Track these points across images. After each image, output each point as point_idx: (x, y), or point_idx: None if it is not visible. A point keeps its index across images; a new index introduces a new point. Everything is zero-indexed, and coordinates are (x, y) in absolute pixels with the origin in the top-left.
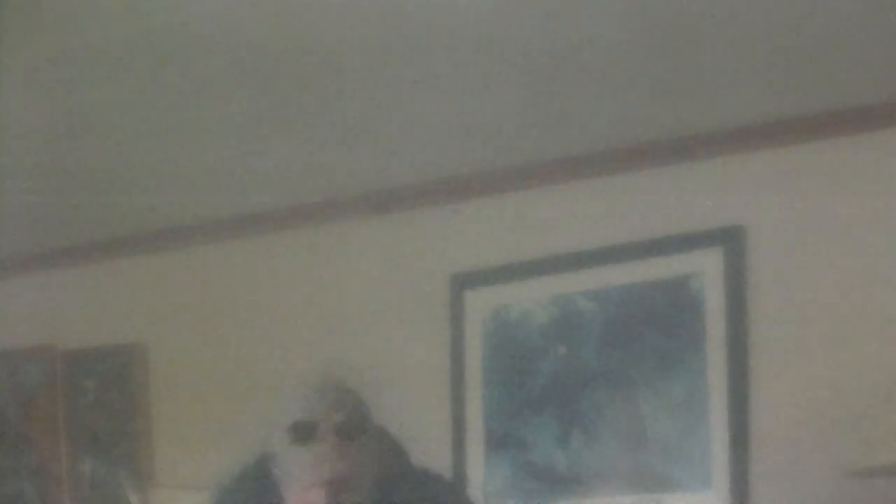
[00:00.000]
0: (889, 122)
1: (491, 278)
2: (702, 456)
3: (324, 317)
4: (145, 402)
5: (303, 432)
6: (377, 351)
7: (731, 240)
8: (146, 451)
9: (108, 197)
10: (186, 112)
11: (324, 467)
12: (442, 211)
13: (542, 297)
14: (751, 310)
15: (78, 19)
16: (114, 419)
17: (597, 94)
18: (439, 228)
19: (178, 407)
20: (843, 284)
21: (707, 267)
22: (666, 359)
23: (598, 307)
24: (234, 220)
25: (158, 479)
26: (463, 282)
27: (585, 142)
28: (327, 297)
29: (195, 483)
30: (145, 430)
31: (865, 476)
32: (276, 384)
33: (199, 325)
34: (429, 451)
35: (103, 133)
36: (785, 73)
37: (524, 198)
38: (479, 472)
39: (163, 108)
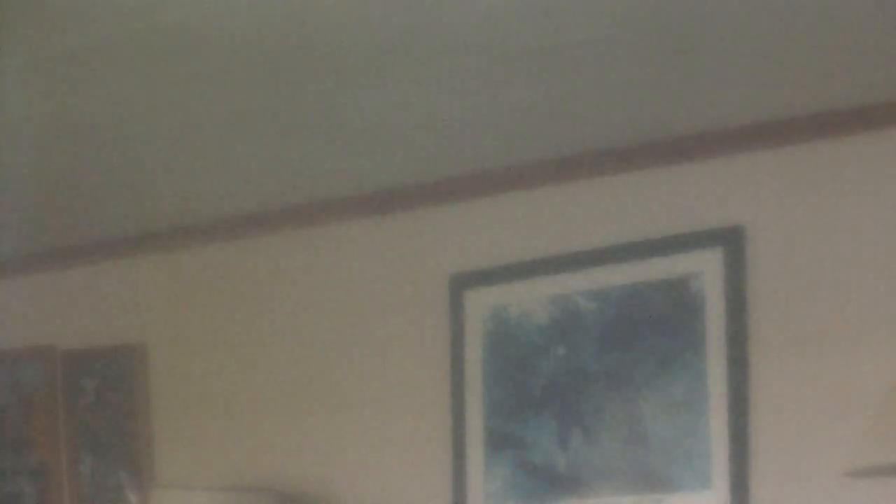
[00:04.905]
0: (889, 122)
1: (491, 278)
2: (702, 456)
3: (324, 317)
4: (145, 402)
5: None
6: (377, 351)
7: (731, 240)
8: (146, 451)
9: (108, 197)
10: (186, 112)
11: None
12: (442, 211)
13: (542, 297)
14: (751, 310)
15: (78, 19)
16: (114, 419)
17: (596, 94)
18: (439, 228)
19: (178, 407)
20: (843, 284)
21: (707, 267)
22: (666, 359)
23: (598, 307)
24: (234, 220)
25: (158, 479)
26: (463, 282)
27: (585, 142)
28: (327, 297)
29: (195, 483)
30: (145, 430)
31: (865, 476)
32: (275, 384)
33: (199, 325)
34: (429, 451)
35: (103, 133)
36: (785, 73)
37: (524, 198)
38: (479, 472)
39: (163, 108)
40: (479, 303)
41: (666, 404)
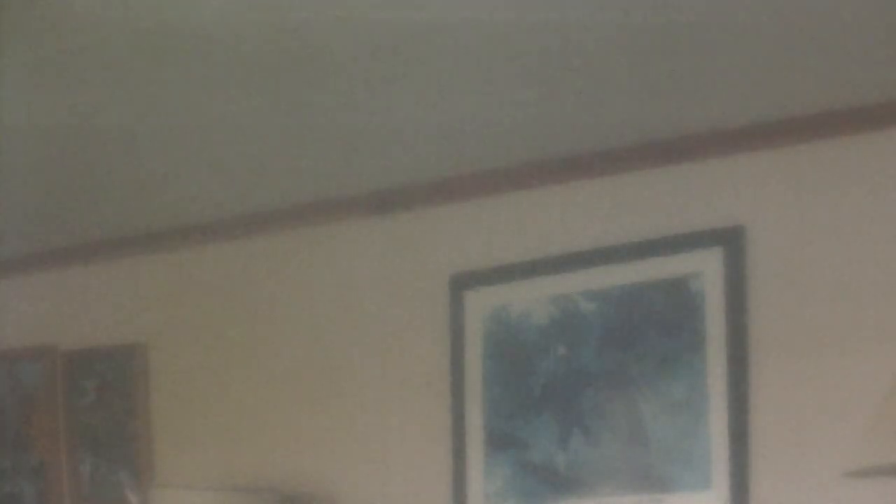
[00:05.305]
0: (889, 122)
1: (491, 278)
2: (702, 456)
3: (324, 317)
4: (145, 402)
5: None
6: (377, 351)
7: (731, 240)
8: (146, 451)
9: (108, 197)
10: (186, 111)
11: None
12: (442, 211)
13: (542, 297)
14: (751, 310)
15: (78, 19)
16: (114, 419)
17: (596, 94)
18: (439, 228)
19: (178, 407)
20: (843, 284)
21: (707, 267)
22: (666, 359)
23: (598, 307)
24: (234, 220)
25: (158, 479)
26: (463, 282)
27: (585, 142)
28: (327, 297)
29: (195, 483)
30: (145, 430)
31: (865, 476)
32: (275, 384)
33: (199, 325)
34: (429, 451)
35: (103, 133)
36: (785, 73)
37: (524, 198)
38: (479, 472)
39: (163, 108)
40: (479, 303)
41: (666, 404)
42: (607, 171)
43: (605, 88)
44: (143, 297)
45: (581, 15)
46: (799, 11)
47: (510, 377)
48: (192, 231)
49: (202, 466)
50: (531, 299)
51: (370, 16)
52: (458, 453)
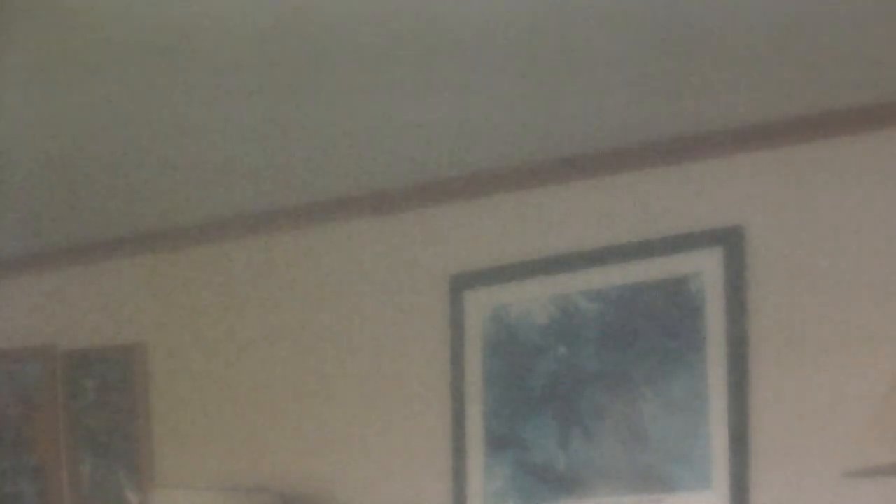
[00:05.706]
0: (889, 122)
1: (491, 278)
2: (702, 456)
3: (324, 317)
4: (145, 402)
5: None
6: (377, 351)
7: (731, 240)
8: (146, 451)
9: (107, 197)
10: (187, 112)
11: None
12: (442, 211)
13: (542, 297)
14: (751, 310)
15: (78, 19)
16: (114, 419)
17: (596, 94)
18: (439, 228)
19: (178, 407)
20: (842, 284)
21: (707, 267)
22: (666, 359)
23: (598, 307)
24: (233, 220)
25: (158, 479)
26: (463, 282)
27: (585, 142)
28: (327, 298)
29: (195, 483)
30: (145, 430)
31: (865, 476)
32: (275, 384)
33: (199, 325)
34: (429, 451)
35: (103, 133)
36: (785, 73)
37: (524, 198)
38: (479, 473)
39: (163, 108)
40: (479, 303)
41: (666, 404)
42: (607, 171)
43: (605, 88)
44: (143, 297)
45: (581, 15)
46: (799, 12)
47: (510, 377)
48: (192, 231)
49: (202, 466)
50: (531, 299)
51: (370, 17)
52: (458, 453)
